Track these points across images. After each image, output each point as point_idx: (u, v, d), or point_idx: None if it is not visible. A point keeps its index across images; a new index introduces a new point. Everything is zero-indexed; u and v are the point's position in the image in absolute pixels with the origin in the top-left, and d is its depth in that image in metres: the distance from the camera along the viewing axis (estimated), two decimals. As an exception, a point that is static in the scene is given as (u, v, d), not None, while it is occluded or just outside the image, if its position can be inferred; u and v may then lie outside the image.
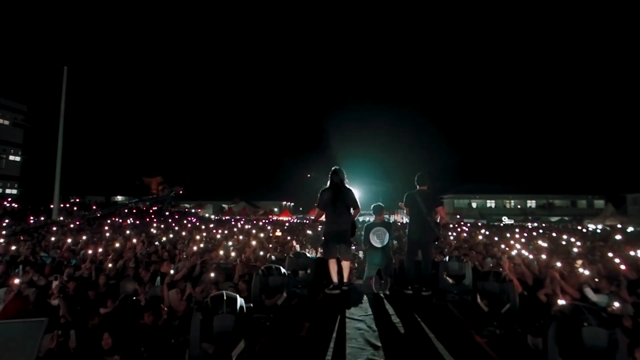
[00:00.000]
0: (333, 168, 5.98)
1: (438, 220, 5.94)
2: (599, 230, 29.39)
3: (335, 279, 5.82)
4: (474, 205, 54.91)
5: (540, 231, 23.35)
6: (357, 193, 6.38)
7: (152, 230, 15.62)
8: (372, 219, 6.56)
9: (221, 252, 8.95)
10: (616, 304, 5.03)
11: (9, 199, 31.42)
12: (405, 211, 6.16)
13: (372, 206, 6.51)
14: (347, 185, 5.98)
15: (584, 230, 27.47)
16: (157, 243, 10.94)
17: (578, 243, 13.76)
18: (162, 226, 18.43)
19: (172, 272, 6.52)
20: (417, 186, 6.02)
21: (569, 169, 54.60)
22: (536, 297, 5.24)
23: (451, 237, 16.83)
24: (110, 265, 7.66)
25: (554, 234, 19.93)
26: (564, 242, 15.17)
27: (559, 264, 7.56)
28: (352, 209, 5.85)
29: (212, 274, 6.31)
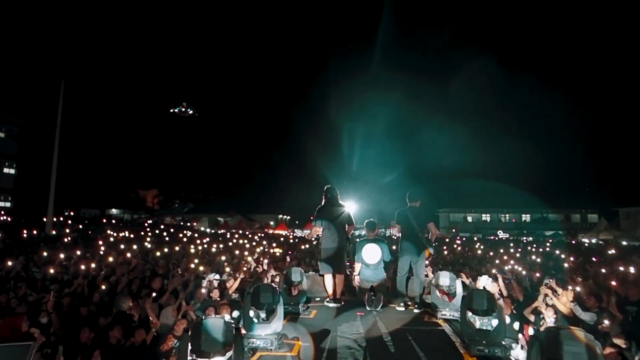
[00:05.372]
0: (326, 187, 6.14)
1: (429, 237, 6.02)
2: (590, 241, 29.58)
3: (331, 293, 6.06)
4: (469, 219, 55.09)
5: (535, 246, 23.51)
6: (353, 207, 6.53)
7: (146, 244, 15.55)
8: (365, 233, 6.64)
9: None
10: (606, 322, 5.08)
11: (2, 212, 31.14)
12: (397, 228, 6.24)
13: (365, 222, 6.59)
14: (340, 202, 6.23)
15: (579, 241, 27.68)
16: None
17: (571, 259, 13.87)
18: (156, 240, 18.35)
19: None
20: (409, 203, 6.12)
21: (562, 183, 54.98)
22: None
23: (445, 252, 16.90)
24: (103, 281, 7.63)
25: (547, 249, 20.05)
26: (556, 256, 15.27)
27: (550, 281, 7.64)
28: (347, 225, 6.10)
29: (204, 290, 6.32)
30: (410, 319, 5.43)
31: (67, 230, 21.01)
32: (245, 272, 8.22)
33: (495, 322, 4.08)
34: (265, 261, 10.12)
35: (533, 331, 5.14)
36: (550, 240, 31.07)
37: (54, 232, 20.20)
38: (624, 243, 27.97)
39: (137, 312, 5.75)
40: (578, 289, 6.83)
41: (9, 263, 8.89)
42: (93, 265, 9.03)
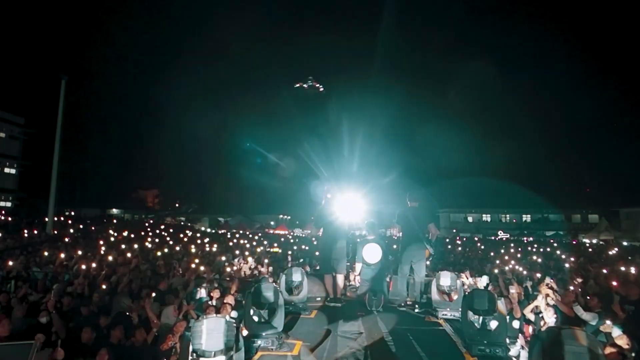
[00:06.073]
0: (326, 186, 6.16)
1: (430, 237, 6.03)
2: (590, 242, 29.56)
3: (332, 292, 6.09)
4: (470, 219, 55.03)
5: (535, 246, 23.51)
6: (353, 207, 6.55)
7: (147, 244, 15.55)
8: (365, 233, 6.65)
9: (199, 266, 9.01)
10: (608, 322, 5.06)
11: (3, 212, 31.17)
12: (397, 229, 6.25)
13: (365, 223, 6.59)
14: (340, 202, 6.25)
15: (580, 242, 27.64)
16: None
17: (571, 259, 13.85)
18: (157, 240, 18.36)
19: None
20: (409, 203, 6.13)
21: (563, 183, 54.95)
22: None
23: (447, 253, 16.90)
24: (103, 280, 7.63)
25: (548, 249, 20.05)
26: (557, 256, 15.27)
27: (550, 280, 7.63)
28: (347, 225, 6.13)
29: (203, 290, 6.32)
30: (411, 319, 5.43)
31: (71, 231, 21.01)
32: (236, 272, 8.23)
33: (495, 322, 4.07)
34: (266, 261, 10.16)
35: (534, 331, 5.14)
36: (552, 241, 31.04)
37: (55, 232, 20.20)
38: (625, 243, 27.94)
39: (137, 312, 5.75)
40: (579, 289, 6.84)
41: (10, 263, 8.90)
42: (94, 265, 9.03)
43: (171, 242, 16.94)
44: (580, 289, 6.83)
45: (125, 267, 8.91)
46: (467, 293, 5.02)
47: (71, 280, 8.06)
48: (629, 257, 14.83)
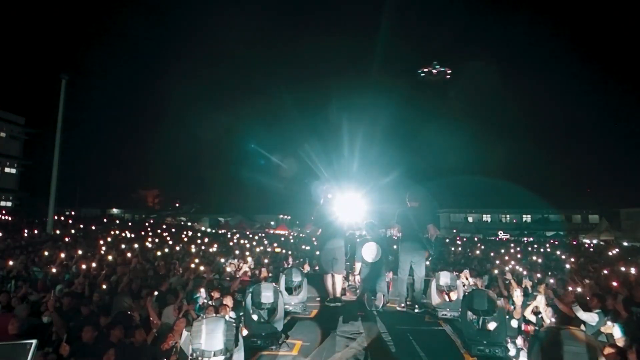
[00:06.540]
0: (325, 186, 6.16)
1: (429, 237, 6.02)
2: (591, 242, 29.53)
3: (332, 292, 6.10)
4: (470, 219, 54.98)
5: (535, 246, 23.48)
6: (353, 207, 6.55)
7: (147, 244, 15.54)
8: (365, 233, 6.64)
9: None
10: (609, 323, 5.05)
11: (3, 212, 31.20)
12: (397, 229, 6.24)
13: (365, 223, 6.59)
14: (339, 201, 6.26)
15: (580, 242, 27.60)
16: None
17: (572, 259, 13.84)
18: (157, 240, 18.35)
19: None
20: (408, 203, 6.13)
21: (564, 183, 54.93)
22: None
23: (447, 253, 16.89)
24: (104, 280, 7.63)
25: (548, 250, 20.04)
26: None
27: (551, 281, 7.63)
28: (347, 225, 6.14)
29: (203, 290, 6.32)
30: (411, 319, 5.44)
31: (73, 231, 20.99)
32: (242, 273, 8.23)
33: (495, 322, 4.07)
34: (266, 261, 10.16)
35: (534, 331, 5.13)
36: (552, 241, 31.01)
37: (58, 232, 20.19)
38: (625, 244, 27.90)
39: (137, 311, 5.74)
40: (579, 289, 6.82)
41: (10, 263, 8.90)
42: (94, 264, 9.03)
43: (171, 242, 16.92)
44: (579, 289, 6.81)
45: (125, 267, 8.90)
46: (466, 293, 5.03)
47: (71, 280, 8.06)
48: (630, 258, 14.82)
